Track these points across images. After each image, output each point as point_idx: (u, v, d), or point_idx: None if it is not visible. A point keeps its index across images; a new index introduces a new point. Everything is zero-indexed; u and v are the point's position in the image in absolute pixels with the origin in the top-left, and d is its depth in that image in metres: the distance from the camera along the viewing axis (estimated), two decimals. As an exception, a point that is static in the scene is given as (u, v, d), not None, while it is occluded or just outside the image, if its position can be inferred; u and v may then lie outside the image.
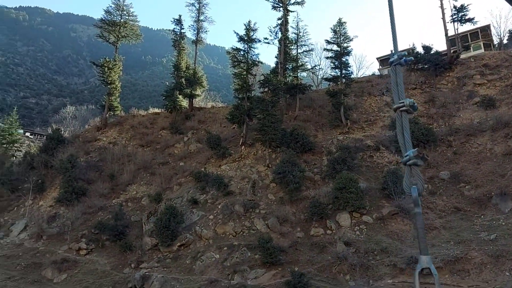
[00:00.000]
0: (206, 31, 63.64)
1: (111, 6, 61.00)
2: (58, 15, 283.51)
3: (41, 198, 42.66)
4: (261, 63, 51.18)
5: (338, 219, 29.90)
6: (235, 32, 46.96)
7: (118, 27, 60.39)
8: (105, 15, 60.77)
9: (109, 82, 57.17)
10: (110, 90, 57.51)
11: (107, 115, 57.77)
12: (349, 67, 46.66)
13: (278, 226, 30.70)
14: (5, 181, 44.78)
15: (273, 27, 52.40)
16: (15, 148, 56.66)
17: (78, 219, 36.86)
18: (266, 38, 52.09)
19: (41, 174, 45.59)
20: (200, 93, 59.97)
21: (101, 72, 57.71)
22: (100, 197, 40.26)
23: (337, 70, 46.41)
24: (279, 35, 52.26)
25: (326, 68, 66.65)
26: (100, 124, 57.90)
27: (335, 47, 46.66)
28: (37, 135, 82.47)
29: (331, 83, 49.42)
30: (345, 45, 46.26)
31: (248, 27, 46.58)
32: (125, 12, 61.71)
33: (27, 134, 79.37)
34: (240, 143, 43.49)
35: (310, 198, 32.50)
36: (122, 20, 61.19)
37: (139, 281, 27.38)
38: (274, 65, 53.63)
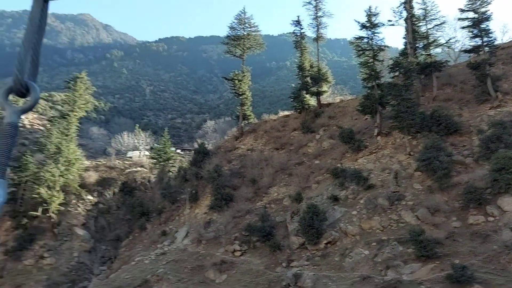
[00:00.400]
0: (326, 26, 63.27)
1: (234, 22, 64.93)
2: (190, 40, 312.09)
3: (197, 206, 47.04)
4: (388, 47, 48.56)
5: (500, 203, 26.50)
6: (356, 21, 45.53)
7: (242, 40, 63.83)
8: (230, 31, 64.98)
9: (240, 93, 60.63)
10: (242, 100, 60.93)
11: (242, 124, 61.22)
12: (491, 34, 41.30)
13: (430, 216, 28.54)
14: (166, 194, 50.63)
15: (397, 7, 49.26)
16: (170, 164, 63.67)
17: (230, 223, 39.61)
18: (389, 20, 49.29)
19: (194, 185, 50.33)
20: (326, 89, 59.56)
21: (232, 85, 61.58)
22: (246, 201, 42.70)
23: (477, 39, 41.52)
24: (404, 14, 48.90)
25: (463, 40, 60.12)
26: (237, 134, 61.64)
27: (471, 14, 41.86)
28: (186, 151, 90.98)
29: (471, 54, 44.36)
30: (483, 10, 41.16)
31: (369, 12, 44.71)
32: (247, 25, 64.95)
33: (178, 150, 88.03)
34: (375, 134, 41.80)
35: (463, 183, 29.50)
36: (245, 33, 64.52)
37: (292, 280, 28.16)
38: (403, 46, 50.37)
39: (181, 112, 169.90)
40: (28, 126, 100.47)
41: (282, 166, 46.67)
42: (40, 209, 47.96)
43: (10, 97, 1.88)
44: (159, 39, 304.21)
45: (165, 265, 35.87)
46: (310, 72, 58.16)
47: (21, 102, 1.96)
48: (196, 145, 69.47)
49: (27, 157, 51.67)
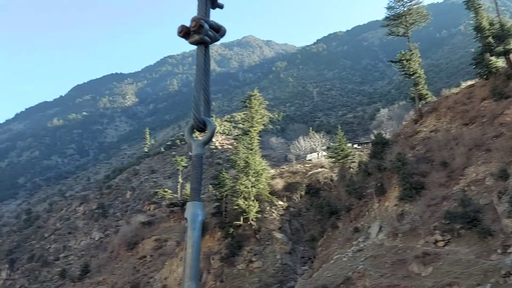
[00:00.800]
0: (500, -27, 54.03)
1: (391, 1, 61.12)
2: (348, 32, 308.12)
3: (385, 199, 45.36)
4: None
5: None
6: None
7: (404, 17, 59.62)
8: (388, 12, 61.58)
9: (411, 73, 56.47)
10: (415, 80, 56.62)
11: (419, 106, 56.86)
12: None
13: None
14: (351, 191, 50.37)
15: None
16: (349, 161, 63.24)
17: (425, 213, 36.90)
18: None
19: (377, 178, 48.77)
20: (517, 44, 50.63)
21: (401, 67, 57.86)
22: (439, 187, 39.20)
23: None
24: None
25: None
26: (416, 116, 57.45)
27: None
28: (363, 144, 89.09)
29: None
30: None
31: None
32: (406, 0, 60.40)
33: (355, 145, 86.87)
34: None
35: None
36: (405, 8, 60.10)
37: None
38: None
39: (351, 107, 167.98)
40: (219, 147, 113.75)
41: (476, 142, 41.34)
42: (241, 218, 53.28)
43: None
44: (317, 40, 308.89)
45: (364, 262, 35.49)
46: (491, 31, 50.45)
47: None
48: (372, 137, 67.42)
49: (223, 174, 58.29)
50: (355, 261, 36.73)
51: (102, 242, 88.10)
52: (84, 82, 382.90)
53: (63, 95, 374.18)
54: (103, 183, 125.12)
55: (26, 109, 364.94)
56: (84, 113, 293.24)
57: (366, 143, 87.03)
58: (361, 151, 74.63)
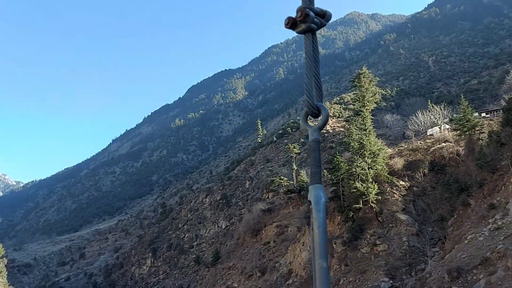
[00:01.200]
0: None
1: None
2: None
3: (524, 171, 40.30)
4: None
5: None
6: None
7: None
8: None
9: (546, 24, 48.82)
10: (551, 31, 48.87)
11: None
12: None
13: None
14: (482, 164, 45.65)
15: None
16: (478, 132, 57.41)
17: None
18: None
19: (513, 148, 43.50)
20: None
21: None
22: None
23: None
24: None
25: None
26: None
27: None
28: (493, 112, 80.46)
29: None
30: None
31: None
32: None
33: (483, 114, 78.90)
34: None
35: None
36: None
37: None
38: None
39: (474, 72, 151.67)
40: (331, 131, 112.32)
41: None
42: (360, 201, 51.96)
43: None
44: (428, 4, 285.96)
45: (503, 241, 32.17)
46: None
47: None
48: (503, 103, 60.18)
49: (337, 157, 57.39)
50: (493, 240, 33.46)
51: (228, 230, 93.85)
52: (198, 82, 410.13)
53: (181, 96, 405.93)
54: (224, 175, 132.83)
55: (151, 113, 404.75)
56: (201, 111, 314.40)
57: (496, 110, 78.36)
58: (491, 120, 67.31)
